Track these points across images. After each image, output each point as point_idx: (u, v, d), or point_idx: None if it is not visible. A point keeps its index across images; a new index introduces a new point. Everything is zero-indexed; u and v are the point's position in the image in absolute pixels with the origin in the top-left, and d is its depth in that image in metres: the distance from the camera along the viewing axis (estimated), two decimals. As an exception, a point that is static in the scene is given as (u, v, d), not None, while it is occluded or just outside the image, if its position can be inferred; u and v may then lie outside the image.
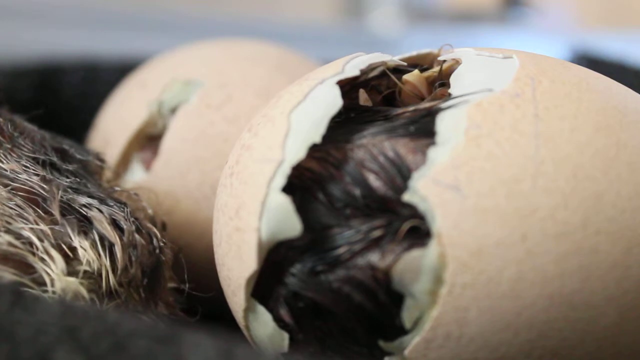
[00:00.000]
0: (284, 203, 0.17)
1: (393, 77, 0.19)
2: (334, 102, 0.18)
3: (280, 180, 0.17)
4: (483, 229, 0.16)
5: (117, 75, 0.32)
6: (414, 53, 0.20)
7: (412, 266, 0.16)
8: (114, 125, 0.27)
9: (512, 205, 0.16)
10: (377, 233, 0.16)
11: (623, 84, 0.19)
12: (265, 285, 0.18)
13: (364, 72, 0.19)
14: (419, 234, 0.16)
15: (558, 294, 0.16)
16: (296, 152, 0.17)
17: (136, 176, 0.26)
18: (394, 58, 0.20)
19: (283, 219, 0.17)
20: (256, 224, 0.17)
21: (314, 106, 0.18)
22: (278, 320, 0.18)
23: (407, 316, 0.16)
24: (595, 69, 0.19)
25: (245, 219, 0.17)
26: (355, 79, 0.19)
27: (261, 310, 0.18)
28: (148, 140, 0.26)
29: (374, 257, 0.16)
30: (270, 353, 0.18)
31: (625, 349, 0.17)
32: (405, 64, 0.20)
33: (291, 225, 0.17)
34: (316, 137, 0.17)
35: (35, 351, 0.13)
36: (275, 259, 0.17)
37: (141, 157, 0.26)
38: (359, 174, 0.17)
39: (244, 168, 0.18)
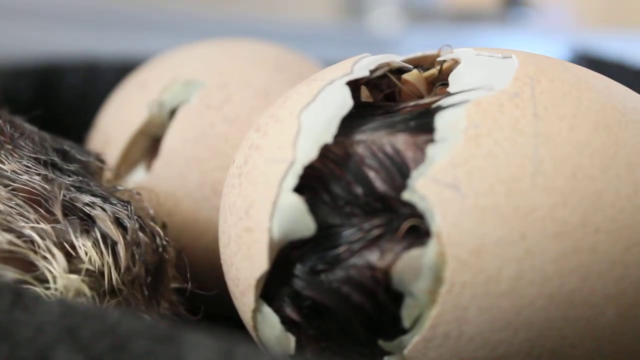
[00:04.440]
0: (296, 203, 0.17)
1: (392, 77, 0.19)
2: (344, 102, 0.18)
3: (292, 180, 0.17)
4: (482, 227, 0.16)
5: (117, 75, 0.32)
6: (419, 54, 0.20)
7: (411, 265, 0.16)
8: (114, 126, 0.27)
9: (512, 204, 0.16)
10: (376, 232, 0.16)
11: (623, 84, 0.19)
12: (270, 286, 0.18)
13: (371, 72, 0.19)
14: (419, 232, 0.16)
15: (557, 293, 0.16)
16: (307, 152, 0.17)
17: (136, 177, 0.26)
18: (400, 59, 0.20)
19: (296, 218, 0.17)
20: (267, 224, 0.17)
21: (324, 106, 0.18)
22: (285, 321, 0.18)
23: (406, 315, 0.17)
24: (595, 69, 0.19)
25: (255, 219, 0.17)
26: (358, 78, 0.19)
27: (269, 312, 0.18)
28: (148, 140, 0.26)
29: (373, 257, 0.16)
30: (270, 353, 0.18)
31: (625, 348, 0.17)
32: (411, 66, 0.20)
33: (304, 224, 0.17)
34: (327, 137, 0.17)
35: (35, 351, 0.13)
36: (279, 258, 0.17)
37: (141, 158, 0.26)
38: (359, 172, 0.17)
39: (254, 168, 0.18)
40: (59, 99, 0.34)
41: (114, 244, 0.19)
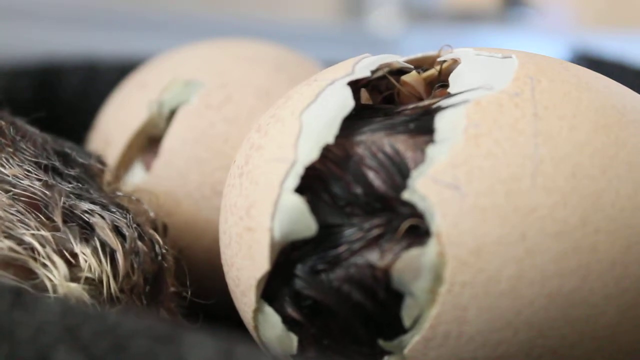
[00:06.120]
0: (297, 203, 0.17)
1: (391, 78, 0.19)
2: (345, 102, 0.18)
3: (293, 180, 0.17)
4: (482, 227, 0.16)
5: (117, 75, 0.32)
6: (419, 54, 0.20)
7: (411, 265, 0.16)
8: (114, 126, 0.27)
9: (512, 204, 0.16)
10: (376, 231, 0.16)
11: (623, 84, 0.19)
12: (271, 286, 0.18)
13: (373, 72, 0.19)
14: (419, 232, 0.16)
15: (557, 293, 0.16)
16: (309, 153, 0.17)
17: (136, 177, 0.26)
18: (401, 59, 0.20)
19: (297, 219, 0.17)
20: (268, 224, 0.17)
21: (326, 107, 0.18)
22: (286, 321, 0.18)
23: (406, 315, 0.17)
24: (595, 69, 0.20)
25: (257, 219, 0.17)
26: (358, 79, 0.19)
27: (270, 312, 0.18)
28: (148, 140, 0.26)
29: (373, 256, 0.16)
30: (270, 353, 0.18)
31: (624, 348, 0.17)
32: (411, 66, 0.20)
33: (306, 225, 0.17)
34: (329, 137, 0.17)
35: (35, 351, 0.13)
36: (280, 258, 0.17)
37: (141, 158, 0.26)
38: (359, 172, 0.17)
39: (255, 168, 0.18)
40: (59, 99, 0.34)
41: (113, 252, 0.19)
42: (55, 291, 0.17)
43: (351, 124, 0.18)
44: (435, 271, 0.16)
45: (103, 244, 0.19)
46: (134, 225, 0.20)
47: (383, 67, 0.19)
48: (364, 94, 0.19)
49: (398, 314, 0.17)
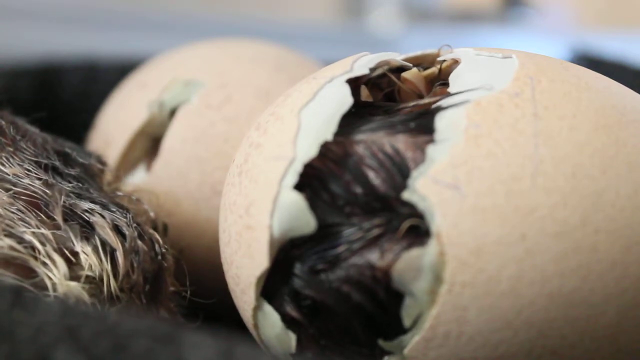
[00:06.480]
0: (296, 199, 0.17)
1: (392, 75, 0.19)
2: (344, 100, 0.18)
3: (292, 178, 0.17)
4: (482, 227, 0.16)
5: (117, 75, 0.32)
6: (418, 52, 0.20)
7: (411, 265, 0.16)
8: (114, 126, 0.27)
9: (512, 204, 0.16)
10: (376, 231, 0.16)
11: (623, 84, 0.19)
12: (271, 284, 0.18)
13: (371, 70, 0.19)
14: (419, 232, 0.16)
15: (557, 293, 0.16)
16: (307, 150, 0.17)
17: (136, 177, 0.26)
18: (400, 57, 0.20)
19: (296, 216, 0.17)
20: (268, 222, 0.17)
21: (324, 104, 0.18)
22: (285, 319, 0.18)
23: (406, 315, 0.17)
24: (595, 69, 0.20)
25: (256, 217, 0.17)
26: (358, 77, 0.19)
27: (269, 310, 0.18)
28: (148, 140, 0.26)
29: (373, 257, 0.16)
30: (270, 352, 0.18)
31: (625, 348, 0.17)
32: (410, 65, 0.20)
33: (305, 222, 0.17)
34: (327, 135, 0.17)
35: (35, 351, 0.13)
36: (279, 257, 0.17)
37: (141, 158, 0.26)
38: (358, 171, 0.17)
39: (254, 166, 0.18)
40: (59, 99, 0.34)
41: (113, 251, 0.19)
42: (55, 290, 0.17)
43: (351, 122, 0.18)
44: (435, 271, 0.16)
45: (103, 243, 0.19)
46: (134, 225, 0.20)
47: (382, 64, 0.19)
48: (364, 91, 0.19)
49: (398, 314, 0.17)
